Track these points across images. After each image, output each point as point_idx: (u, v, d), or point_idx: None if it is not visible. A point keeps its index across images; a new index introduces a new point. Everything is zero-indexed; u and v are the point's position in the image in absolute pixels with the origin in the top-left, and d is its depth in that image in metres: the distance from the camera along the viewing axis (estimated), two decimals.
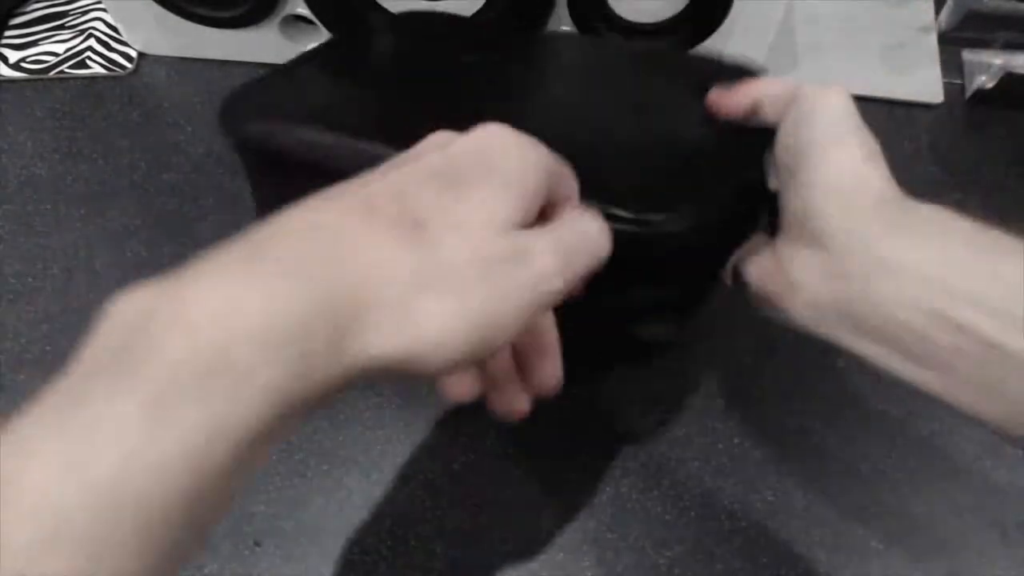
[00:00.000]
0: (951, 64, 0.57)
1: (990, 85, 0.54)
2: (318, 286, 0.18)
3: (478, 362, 0.26)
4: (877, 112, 0.55)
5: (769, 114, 0.31)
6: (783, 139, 0.29)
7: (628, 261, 0.27)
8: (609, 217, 0.26)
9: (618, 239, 0.25)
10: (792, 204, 0.28)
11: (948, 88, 0.55)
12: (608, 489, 0.41)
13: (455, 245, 0.20)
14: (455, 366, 0.20)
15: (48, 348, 0.45)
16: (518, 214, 0.21)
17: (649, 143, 0.35)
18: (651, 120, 0.36)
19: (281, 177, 0.34)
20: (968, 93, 0.55)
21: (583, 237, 0.23)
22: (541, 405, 0.41)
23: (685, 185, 0.31)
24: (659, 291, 0.33)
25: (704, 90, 0.35)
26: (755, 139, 0.32)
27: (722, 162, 0.33)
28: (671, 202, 0.29)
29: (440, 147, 0.22)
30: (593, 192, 0.27)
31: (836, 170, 0.27)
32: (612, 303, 0.30)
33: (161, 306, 0.17)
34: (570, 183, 0.25)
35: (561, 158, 0.25)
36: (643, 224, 0.28)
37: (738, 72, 0.35)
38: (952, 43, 0.57)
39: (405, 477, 0.41)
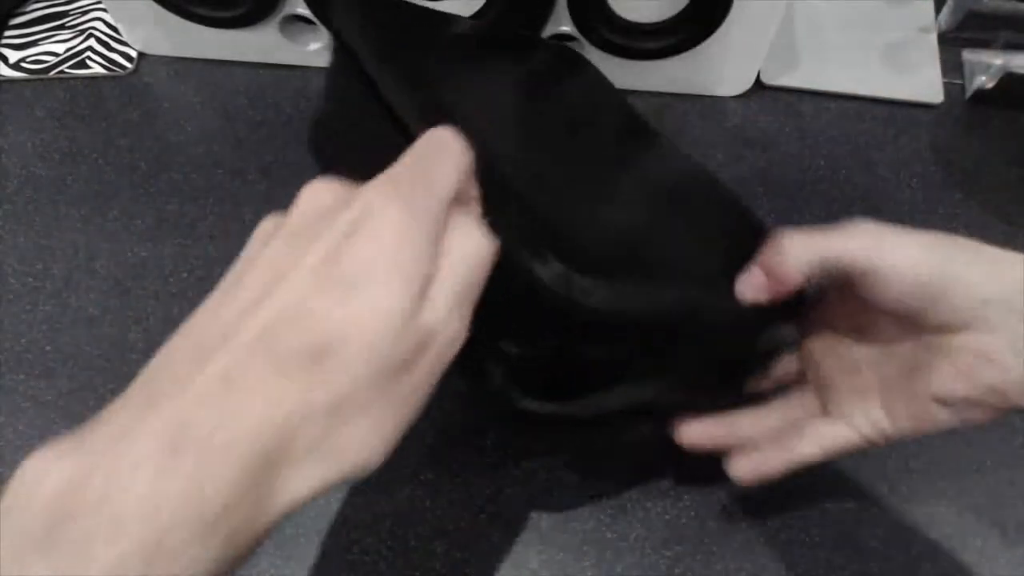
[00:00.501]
0: (951, 64, 0.57)
1: (990, 85, 0.54)
2: (238, 458, 0.18)
3: None
4: (877, 112, 0.55)
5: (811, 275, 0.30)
6: (885, 294, 0.29)
7: (529, 308, 0.28)
8: (535, 256, 0.26)
9: (532, 284, 0.26)
10: (959, 315, 0.28)
11: (948, 88, 0.55)
12: (608, 489, 0.41)
13: (362, 367, 0.19)
14: (382, 462, 0.21)
15: (48, 348, 0.45)
16: (415, 289, 0.20)
17: (641, 234, 0.33)
18: (655, 214, 0.35)
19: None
20: (968, 93, 0.55)
21: (474, 263, 0.22)
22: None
23: (636, 277, 0.29)
24: (526, 350, 0.30)
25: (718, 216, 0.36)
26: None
27: (698, 289, 0.31)
28: (604, 275, 0.27)
29: (317, 229, 0.21)
30: (538, 234, 0.27)
31: (994, 274, 0.28)
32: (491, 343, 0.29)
33: (85, 492, 0.17)
34: (469, 188, 0.24)
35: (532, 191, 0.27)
36: (560, 281, 0.27)
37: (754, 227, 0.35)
38: (952, 43, 0.57)
39: (405, 477, 0.41)
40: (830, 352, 0.33)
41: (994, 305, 0.27)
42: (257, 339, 0.19)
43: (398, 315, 0.20)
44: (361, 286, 0.20)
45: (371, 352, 0.19)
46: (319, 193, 0.22)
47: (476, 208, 0.25)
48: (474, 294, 0.23)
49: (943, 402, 0.29)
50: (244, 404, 0.18)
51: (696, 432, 0.34)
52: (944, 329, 0.28)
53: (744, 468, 0.33)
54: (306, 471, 0.19)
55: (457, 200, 0.23)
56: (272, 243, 0.21)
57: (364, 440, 0.20)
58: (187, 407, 0.18)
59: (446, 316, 0.21)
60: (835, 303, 0.33)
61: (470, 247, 0.22)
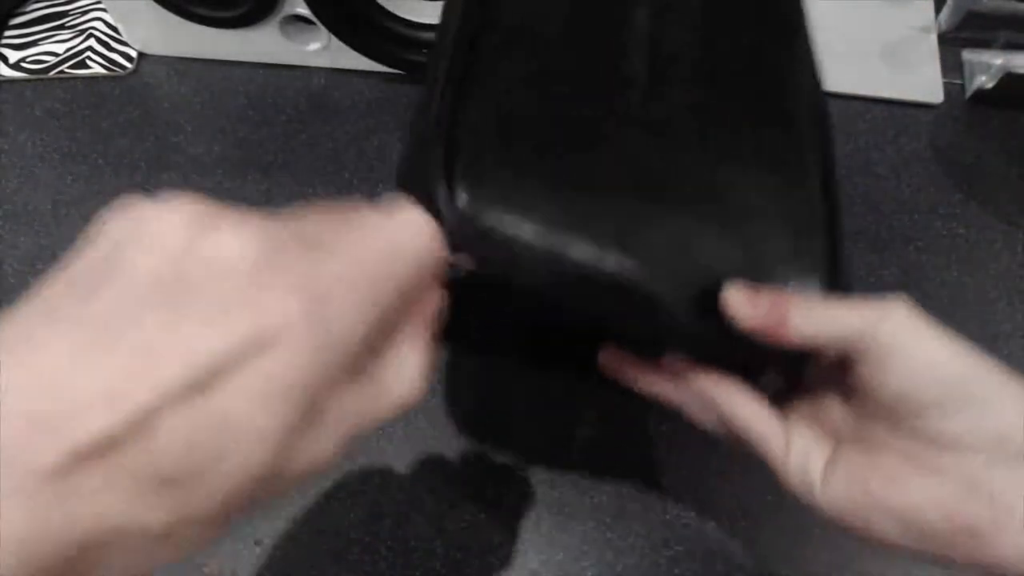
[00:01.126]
0: (951, 64, 0.57)
1: (990, 85, 0.54)
2: (39, 559, 0.15)
3: None
4: (877, 112, 0.55)
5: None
6: (892, 382, 0.24)
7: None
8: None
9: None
10: (971, 435, 0.23)
11: (948, 88, 0.55)
12: (608, 489, 0.41)
13: (209, 505, 0.17)
14: None
15: None
16: (291, 440, 0.18)
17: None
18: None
19: None
20: (968, 93, 0.55)
21: (376, 419, 0.20)
22: (542, 408, 0.41)
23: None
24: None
25: None
26: None
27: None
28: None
29: (217, 324, 0.17)
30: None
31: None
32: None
33: None
34: (429, 287, 0.22)
35: None
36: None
37: None
38: (952, 43, 0.57)
39: (405, 477, 0.41)
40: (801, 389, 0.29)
41: (1018, 440, 0.23)
42: (101, 445, 0.16)
43: (260, 467, 0.17)
44: (231, 428, 0.17)
45: (222, 495, 0.17)
46: (241, 242, 0.18)
47: (429, 308, 0.23)
48: (361, 435, 0.20)
49: (898, 518, 0.24)
50: (67, 511, 0.16)
51: (612, 358, 0.30)
52: (939, 442, 0.24)
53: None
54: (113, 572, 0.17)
55: (410, 304, 0.21)
56: (157, 293, 0.17)
57: (181, 549, 0.18)
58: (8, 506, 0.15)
59: (316, 460, 0.19)
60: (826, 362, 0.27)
61: (381, 402, 0.20)
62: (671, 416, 0.37)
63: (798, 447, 0.26)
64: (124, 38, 0.57)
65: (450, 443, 0.42)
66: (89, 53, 0.57)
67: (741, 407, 0.27)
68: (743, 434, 0.27)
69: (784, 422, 0.27)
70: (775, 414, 0.27)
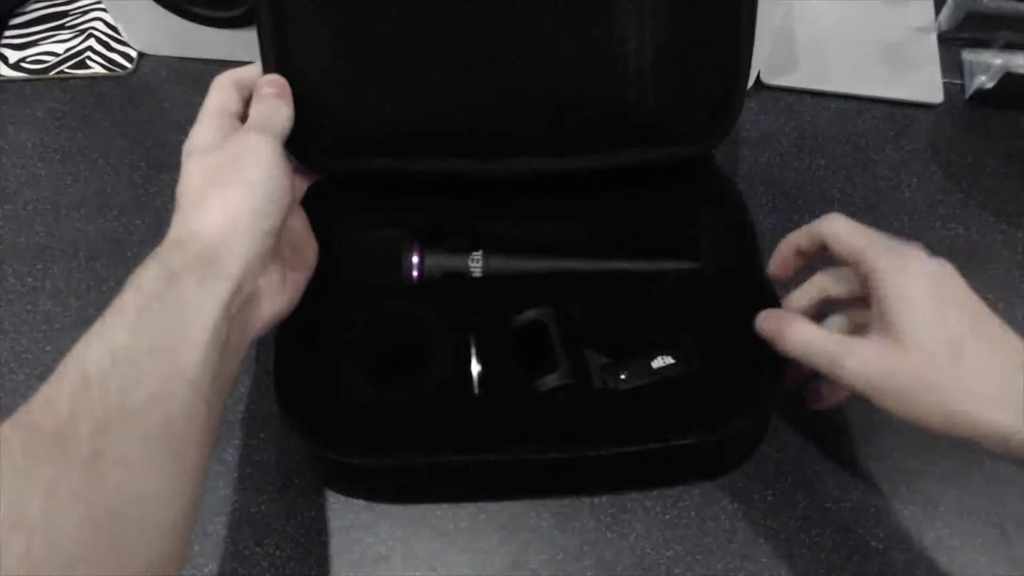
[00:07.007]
0: (951, 64, 0.57)
1: (990, 85, 0.54)
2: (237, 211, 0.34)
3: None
4: (877, 112, 0.55)
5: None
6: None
7: None
8: None
9: None
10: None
11: (948, 88, 0.55)
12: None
13: (189, 176, 0.36)
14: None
15: (48, 348, 0.45)
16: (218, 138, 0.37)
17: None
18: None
19: None
20: (968, 93, 0.55)
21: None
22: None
23: None
24: None
25: None
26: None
27: None
28: None
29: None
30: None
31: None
32: None
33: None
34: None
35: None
36: None
37: None
38: (952, 43, 0.57)
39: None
40: None
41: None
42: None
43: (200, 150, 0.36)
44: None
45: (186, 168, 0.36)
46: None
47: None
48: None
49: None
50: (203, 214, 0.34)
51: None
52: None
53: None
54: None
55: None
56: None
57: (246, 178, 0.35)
58: (187, 218, 0.34)
59: (240, 138, 0.36)
60: None
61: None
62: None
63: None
64: (124, 38, 0.57)
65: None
66: (89, 53, 0.57)
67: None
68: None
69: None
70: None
